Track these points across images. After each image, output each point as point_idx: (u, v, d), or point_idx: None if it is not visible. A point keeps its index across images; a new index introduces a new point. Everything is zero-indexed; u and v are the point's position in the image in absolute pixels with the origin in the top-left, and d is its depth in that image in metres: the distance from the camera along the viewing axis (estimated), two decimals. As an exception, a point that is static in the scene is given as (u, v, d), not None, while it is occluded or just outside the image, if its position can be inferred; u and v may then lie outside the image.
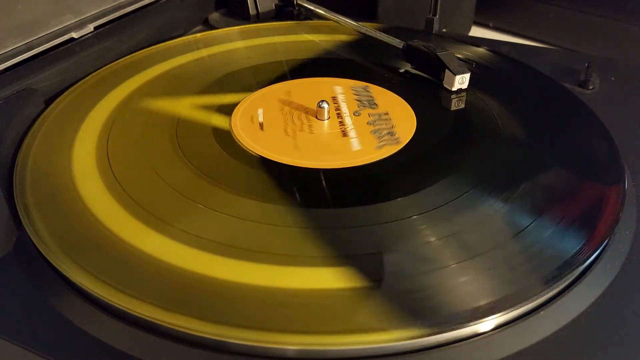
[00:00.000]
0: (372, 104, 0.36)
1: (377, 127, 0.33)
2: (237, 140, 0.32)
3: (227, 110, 0.35)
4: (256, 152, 0.31)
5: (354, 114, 0.35)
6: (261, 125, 0.33)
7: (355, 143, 0.32)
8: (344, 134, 0.33)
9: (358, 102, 0.36)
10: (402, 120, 0.34)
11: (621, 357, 0.22)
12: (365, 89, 0.38)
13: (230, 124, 0.34)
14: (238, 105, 0.36)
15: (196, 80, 0.39)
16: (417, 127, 0.34)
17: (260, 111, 0.34)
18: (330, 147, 0.32)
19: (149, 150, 0.31)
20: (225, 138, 0.33)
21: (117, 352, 0.22)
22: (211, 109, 0.35)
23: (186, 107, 0.36)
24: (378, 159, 0.31)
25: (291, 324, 0.22)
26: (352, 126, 0.34)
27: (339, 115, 0.35)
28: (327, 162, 0.30)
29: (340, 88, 0.38)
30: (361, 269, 0.24)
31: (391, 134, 0.32)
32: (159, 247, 0.25)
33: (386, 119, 0.34)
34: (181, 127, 0.33)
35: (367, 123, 0.34)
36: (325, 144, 0.32)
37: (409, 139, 0.32)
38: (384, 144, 0.31)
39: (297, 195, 0.28)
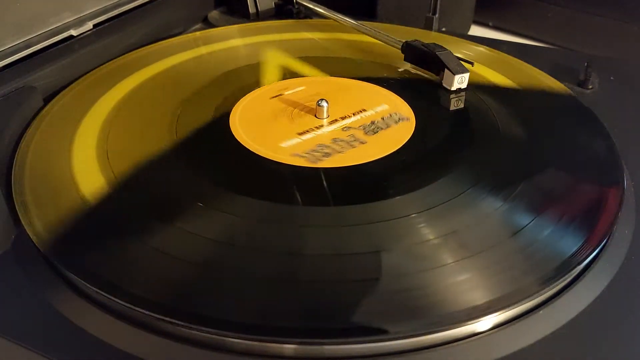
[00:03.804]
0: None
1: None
2: (236, 139, 0.32)
3: (226, 108, 0.35)
4: (255, 150, 0.31)
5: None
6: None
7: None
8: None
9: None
10: (400, 120, 0.34)
11: (620, 356, 0.22)
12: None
13: (229, 122, 0.34)
14: (237, 104, 0.36)
15: (196, 79, 0.39)
16: (416, 126, 0.33)
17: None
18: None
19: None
20: (224, 136, 0.32)
21: (115, 350, 0.22)
22: (210, 107, 0.35)
23: (186, 105, 0.36)
24: (377, 158, 0.31)
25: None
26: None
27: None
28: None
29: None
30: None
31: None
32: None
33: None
34: (181, 125, 0.33)
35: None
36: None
37: (408, 139, 0.32)
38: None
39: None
